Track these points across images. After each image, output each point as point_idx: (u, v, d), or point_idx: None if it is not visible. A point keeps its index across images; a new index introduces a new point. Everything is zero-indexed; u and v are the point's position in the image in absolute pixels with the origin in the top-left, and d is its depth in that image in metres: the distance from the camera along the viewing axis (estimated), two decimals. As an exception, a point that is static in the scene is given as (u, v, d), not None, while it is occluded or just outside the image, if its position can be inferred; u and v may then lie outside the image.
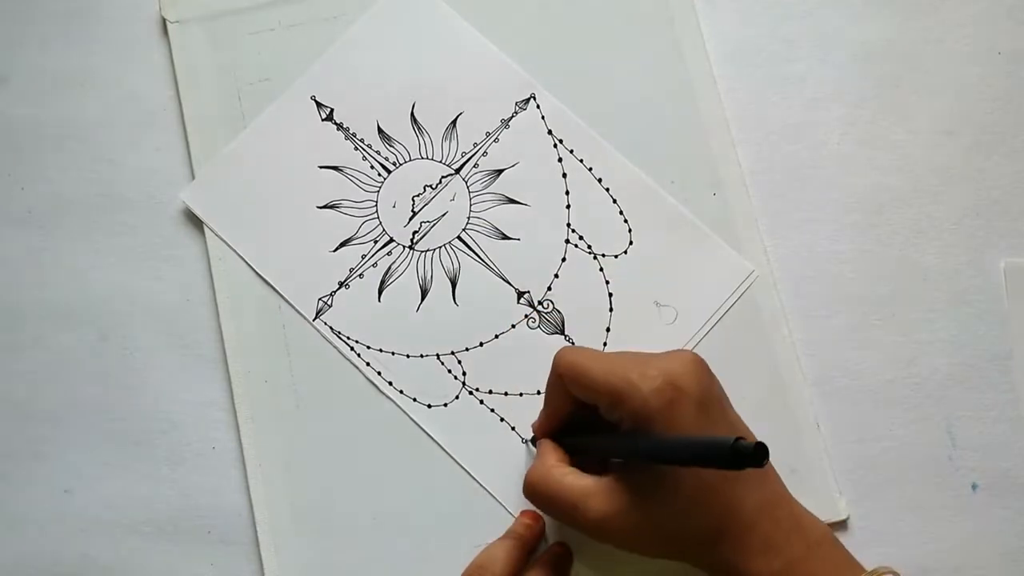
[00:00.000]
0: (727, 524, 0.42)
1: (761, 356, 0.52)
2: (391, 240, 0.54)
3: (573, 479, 0.45)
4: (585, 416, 0.47)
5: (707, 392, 0.44)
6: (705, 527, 0.42)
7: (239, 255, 0.54)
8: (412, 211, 0.55)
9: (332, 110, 0.56)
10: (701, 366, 0.44)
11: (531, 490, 0.46)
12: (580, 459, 0.47)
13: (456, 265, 0.54)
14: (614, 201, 0.54)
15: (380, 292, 0.54)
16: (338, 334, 0.53)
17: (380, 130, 0.55)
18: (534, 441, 0.50)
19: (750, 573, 0.42)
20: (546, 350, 0.52)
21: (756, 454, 0.36)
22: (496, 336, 0.53)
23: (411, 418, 0.52)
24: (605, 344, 0.53)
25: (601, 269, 0.54)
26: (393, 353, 0.53)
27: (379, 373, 0.52)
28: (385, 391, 0.52)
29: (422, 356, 0.53)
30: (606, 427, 0.46)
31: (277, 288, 0.54)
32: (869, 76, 0.56)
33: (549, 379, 0.47)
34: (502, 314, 0.53)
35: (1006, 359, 0.52)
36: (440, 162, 0.55)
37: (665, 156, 0.55)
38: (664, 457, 0.41)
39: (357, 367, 0.53)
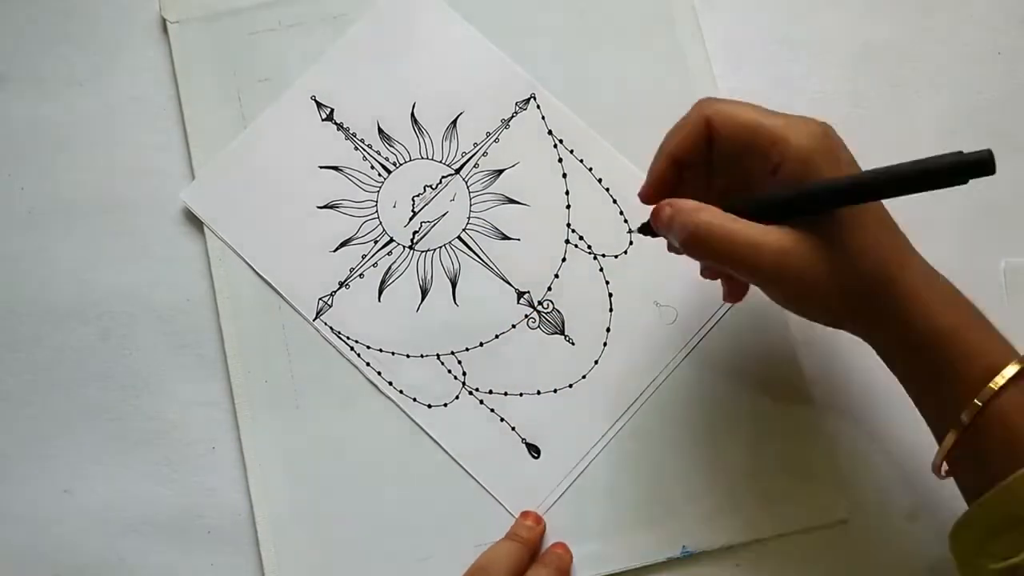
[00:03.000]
0: (907, 263, 0.41)
1: (761, 356, 0.52)
2: (391, 240, 0.54)
3: (743, 224, 0.41)
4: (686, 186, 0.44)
5: (847, 150, 0.42)
6: (889, 264, 0.41)
7: (239, 255, 0.54)
8: (412, 211, 0.55)
9: (332, 110, 0.56)
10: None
11: (697, 236, 0.41)
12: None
13: (456, 265, 0.54)
14: (614, 201, 0.54)
15: (380, 292, 0.54)
16: (338, 334, 0.53)
17: (380, 130, 0.55)
18: (644, 228, 0.45)
19: (928, 321, 0.41)
20: (546, 350, 0.52)
21: (988, 161, 0.36)
22: (496, 336, 0.53)
23: (411, 418, 0.52)
24: (605, 344, 0.53)
25: (601, 269, 0.54)
26: (393, 353, 0.53)
27: (379, 373, 0.52)
28: (385, 391, 0.52)
29: (422, 356, 0.53)
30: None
31: (277, 288, 0.54)
32: (869, 76, 0.56)
33: (681, 130, 0.44)
34: (502, 314, 0.53)
35: (1006, 359, 0.52)
36: (440, 162, 0.55)
37: (665, 156, 0.55)
38: (887, 188, 0.39)
39: (357, 367, 0.53)
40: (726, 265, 0.42)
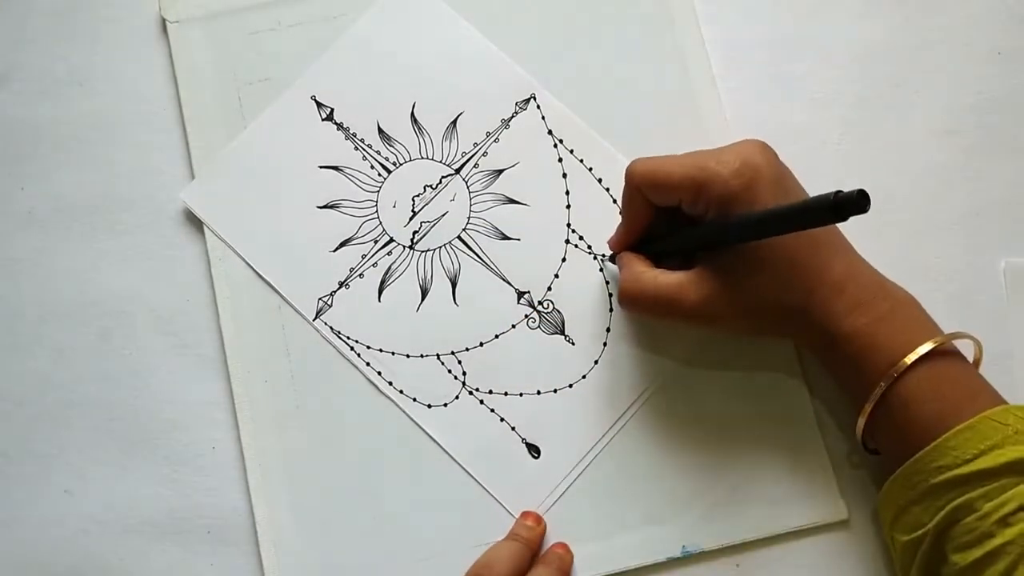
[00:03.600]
0: (816, 289, 0.45)
1: (761, 356, 0.52)
2: (391, 240, 0.54)
3: (665, 277, 0.48)
4: (657, 227, 0.50)
5: (779, 170, 0.47)
6: (798, 293, 0.45)
7: (239, 255, 0.54)
8: (412, 211, 0.55)
9: (332, 110, 0.56)
10: (768, 148, 0.47)
11: (627, 296, 0.49)
12: (662, 264, 0.49)
13: (456, 265, 0.54)
14: (614, 201, 0.54)
15: (380, 292, 0.54)
16: (338, 334, 0.53)
17: (380, 130, 0.55)
18: (612, 259, 0.52)
19: (840, 331, 0.45)
20: (546, 350, 0.52)
21: (859, 201, 0.37)
22: (496, 336, 0.53)
23: (411, 418, 0.52)
24: (605, 344, 0.53)
25: (601, 269, 0.54)
26: (393, 353, 0.53)
27: (379, 373, 0.52)
28: (385, 391, 0.52)
29: (422, 356, 0.53)
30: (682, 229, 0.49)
31: (277, 288, 0.54)
32: (869, 76, 0.56)
33: (624, 193, 0.49)
34: (502, 314, 0.53)
35: (1006, 359, 0.52)
36: (440, 162, 0.55)
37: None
38: (766, 228, 0.43)
39: (357, 367, 0.53)
40: (654, 317, 0.50)
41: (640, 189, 0.48)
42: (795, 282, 0.45)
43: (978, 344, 0.47)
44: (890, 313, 0.45)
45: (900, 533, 0.44)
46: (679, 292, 0.47)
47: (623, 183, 0.49)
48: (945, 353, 0.45)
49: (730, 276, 0.46)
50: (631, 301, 0.49)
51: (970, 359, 0.46)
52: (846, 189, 0.38)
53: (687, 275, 0.47)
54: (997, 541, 0.40)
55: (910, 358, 0.44)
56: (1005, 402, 0.44)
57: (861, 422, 0.46)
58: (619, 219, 0.54)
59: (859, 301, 0.45)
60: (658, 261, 0.50)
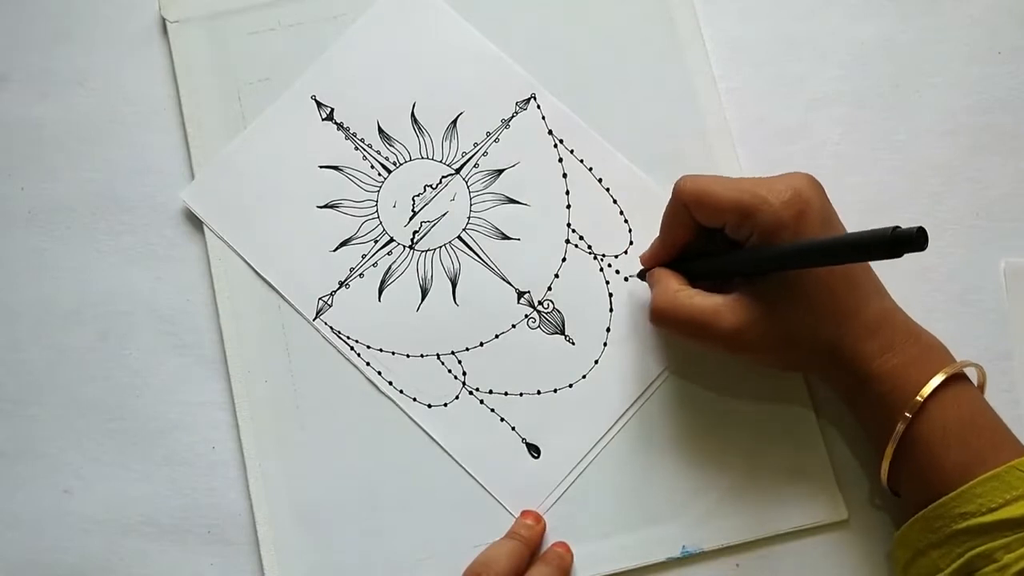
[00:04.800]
0: (850, 327, 0.45)
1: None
2: (391, 240, 0.54)
3: (701, 299, 0.47)
4: (695, 246, 0.49)
5: (827, 205, 0.46)
6: (832, 328, 0.45)
7: (239, 255, 0.54)
8: (412, 211, 0.55)
9: (332, 110, 0.56)
10: (818, 182, 0.47)
11: (660, 315, 0.48)
12: (696, 284, 0.49)
13: (456, 265, 0.54)
14: (614, 201, 0.54)
15: (380, 292, 0.54)
16: (338, 334, 0.53)
17: (380, 130, 0.55)
18: (642, 275, 0.52)
19: (870, 371, 0.45)
20: (546, 350, 0.52)
21: (918, 238, 0.37)
22: (496, 336, 0.53)
23: (411, 418, 0.52)
24: (605, 344, 0.53)
25: (601, 269, 0.54)
26: (393, 353, 0.53)
27: (379, 373, 0.52)
28: (385, 391, 0.52)
29: (422, 356, 0.53)
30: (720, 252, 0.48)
31: (277, 288, 0.54)
32: (869, 76, 0.56)
33: (668, 209, 0.49)
34: (502, 314, 0.53)
35: (1006, 359, 0.52)
36: (440, 162, 0.55)
37: (665, 156, 0.55)
38: (818, 257, 0.43)
39: (357, 367, 0.53)
40: (685, 337, 0.48)
41: (687, 206, 0.47)
42: (831, 317, 0.45)
43: (981, 371, 0.46)
44: (920, 358, 0.45)
45: None
46: (715, 316, 0.46)
47: (669, 198, 0.48)
48: (967, 394, 0.45)
49: (768, 305, 0.46)
50: (664, 319, 0.48)
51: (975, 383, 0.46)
52: (901, 226, 0.38)
53: (724, 299, 0.46)
54: None
55: (925, 391, 0.43)
56: None
57: (885, 465, 0.45)
58: (618, 219, 0.54)
59: (891, 343, 0.45)
60: (690, 281, 0.49)
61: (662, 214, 0.49)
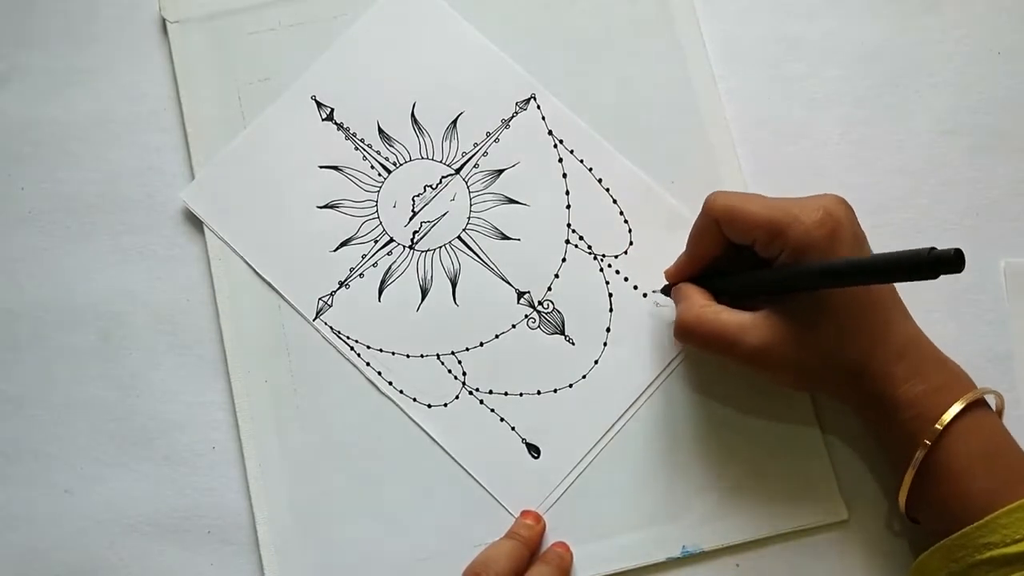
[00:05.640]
0: (878, 351, 0.45)
1: (761, 356, 0.52)
2: (391, 240, 0.54)
3: (728, 315, 0.47)
4: (721, 263, 0.49)
5: (857, 226, 0.46)
6: (860, 352, 0.45)
7: (239, 255, 0.54)
8: (412, 211, 0.55)
9: (332, 110, 0.56)
10: (848, 205, 0.46)
11: (686, 329, 0.48)
12: (721, 300, 0.49)
13: (456, 265, 0.54)
14: (614, 201, 0.54)
15: (380, 292, 0.54)
16: (338, 334, 0.53)
17: (380, 130, 0.55)
18: (666, 290, 0.52)
19: (896, 397, 0.45)
20: (546, 350, 0.52)
21: (955, 260, 0.37)
22: (496, 336, 0.53)
23: (411, 418, 0.52)
24: (605, 344, 0.53)
25: (601, 269, 0.54)
26: (393, 353, 0.53)
27: (379, 373, 0.52)
28: (385, 391, 0.52)
29: (422, 356, 0.53)
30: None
31: (277, 288, 0.54)
32: (869, 76, 0.56)
33: (698, 223, 0.49)
34: (502, 314, 0.53)
35: (1006, 359, 0.52)
36: (440, 162, 0.55)
37: (665, 156, 0.55)
38: (852, 276, 0.43)
39: (357, 367, 0.53)
40: (710, 353, 0.48)
41: (718, 222, 0.47)
42: (859, 340, 0.45)
43: (1000, 397, 0.46)
44: (945, 385, 0.44)
45: None
46: (740, 333, 0.46)
47: (699, 214, 0.48)
48: (987, 420, 0.44)
49: (795, 325, 0.45)
50: (689, 334, 0.48)
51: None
52: (937, 247, 0.37)
53: (751, 317, 0.46)
54: None
55: (945, 419, 0.43)
56: None
57: (904, 492, 0.45)
58: (618, 219, 0.54)
59: (917, 370, 0.45)
60: (715, 297, 0.49)
61: (689, 230, 0.49)
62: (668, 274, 0.51)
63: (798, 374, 0.46)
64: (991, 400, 0.46)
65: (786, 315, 0.46)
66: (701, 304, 0.48)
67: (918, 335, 0.46)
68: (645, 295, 0.53)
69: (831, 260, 0.44)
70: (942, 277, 0.52)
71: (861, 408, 0.47)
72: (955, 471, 0.43)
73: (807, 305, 0.45)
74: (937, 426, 0.43)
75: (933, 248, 0.38)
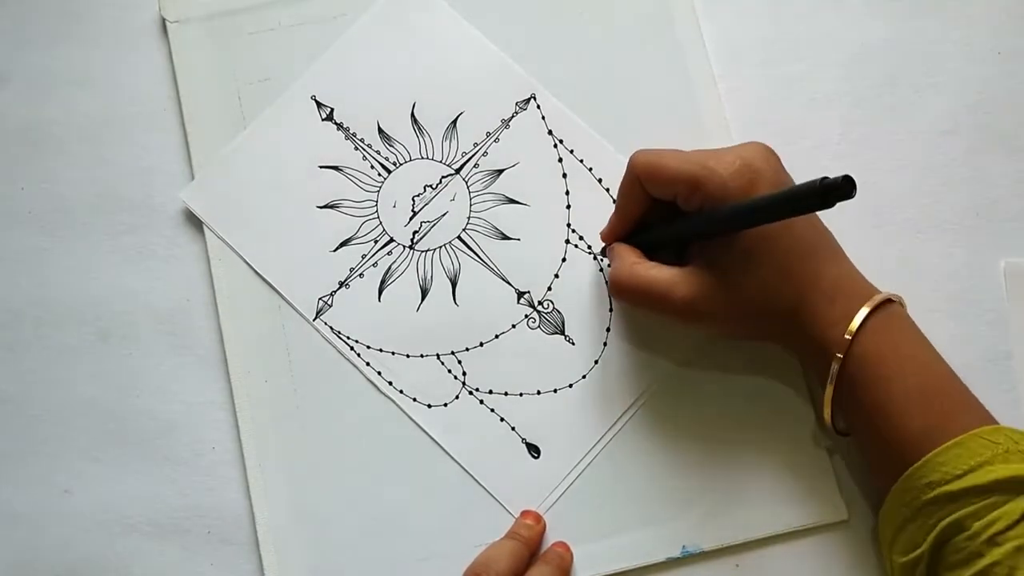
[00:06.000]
0: (807, 295, 0.46)
1: (761, 356, 0.52)
2: (391, 240, 0.54)
3: (657, 271, 0.48)
4: (651, 219, 0.50)
5: (779, 174, 0.47)
6: (789, 297, 0.46)
7: (239, 255, 0.54)
8: (412, 211, 0.55)
9: (332, 110, 0.56)
10: (771, 151, 0.47)
11: (618, 287, 0.49)
12: (655, 257, 0.49)
13: (456, 265, 0.54)
14: (614, 201, 0.54)
15: (380, 292, 0.54)
16: (338, 334, 0.53)
17: (380, 130, 0.55)
18: (604, 252, 0.53)
19: (827, 339, 0.45)
20: (546, 350, 0.52)
21: (844, 186, 0.38)
22: (496, 336, 0.53)
23: (411, 418, 0.52)
24: (605, 344, 0.53)
25: (601, 269, 0.54)
26: (393, 353, 0.53)
27: (379, 373, 0.52)
28: (385, 391, 0.52)
29: (422, 356, 0.53)
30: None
31: (277, 288, 0.54)
32: (869, 76, 0.56)
33: (623, 183, 0.49)
34: (502, 314, 0.53)
35: (1006, 359, 0.52)
36: (440, 162, 0.55)
37: (665, 156, 0.55)
38: (754, 216, 0.44)
39: (357, 367, 0.53)
40: (644, 309, 0.50)
41: (639, 179, 0.48)
42: (787, 286, 0.46)
43: (901, 301, 0.47)
44: (881, 326, 0.45)
45: (898, 555, 0.44)
46: (670, 287, 0.47)
47: (624, 174, 0.49)
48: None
49: (722, 274, 0.46)
50: (621, 291, 0.49)
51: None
52: (824, 176, 0.39)
53: (680, 271, 0.47)
54: (986, 561, 0.40)
55: (852, 327, 0.44)
56: (994, 420, 0.44)
57: (827, 407, 0.46)
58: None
59: (849, 311, 0.45)
60: (650, 255, 0.50)
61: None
62: (602, 235, 0.52)
63: (729, 324, 0.47)
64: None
65: (714, 266, 0.46)
66: (632, 262, 0.49)
67: (849, 275, 0.47)
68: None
69: (734, 203, 0.45)
70: (940, 279, 0.53)
71: (799, 352, 0.48)
72: (892, 412, 0.44)
73: (734, 255, 0.46)
74: (847, 335, 0.44)
75: (825, 177, 0.38)
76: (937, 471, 0.42)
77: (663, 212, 0.49)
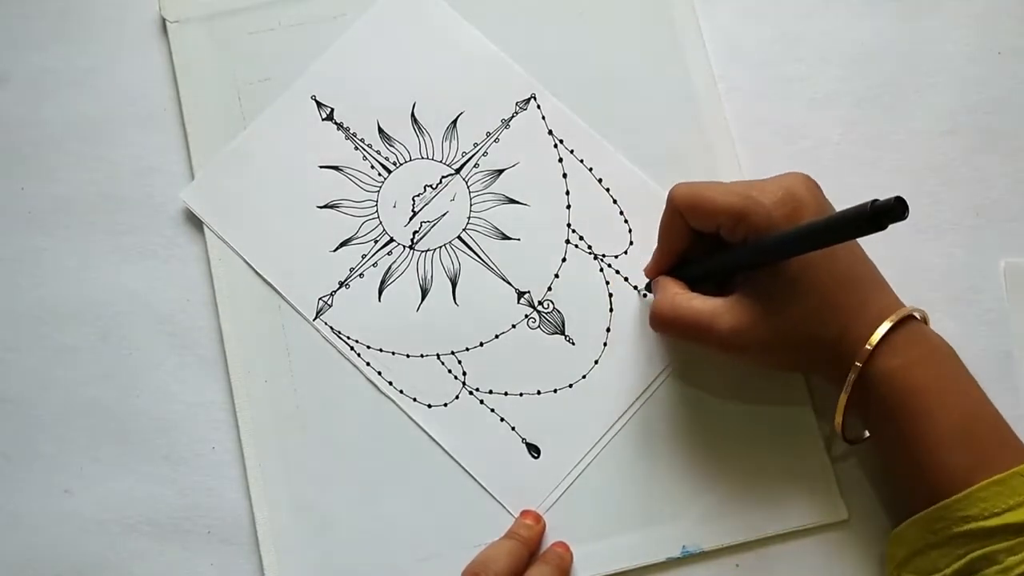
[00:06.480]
0: (851, 326, 0.45)
1: (761, 356, 0.52)
2: (391, 240, 0.54)
3: (699, 302, 0.47)
4: (693, 253, 0.50)
5: (822, 202, 0.46)
6: (833, 328, 0.45)
7: (239, 255, 0.54)
8: (412, 211, 0.55)
9: (332, 110, 0.56)
10: (812, 181, 0.47)
11: (660, 318, 0.48)
12: (697, 290, 0.49)
13: (456, 265, 0.54)
14: (614, 201, 0.54)
15: (380, 292, 0.54)
16: (338, 334, 0.53)
17: (380, 130, 0.55)
18: (648, 288, 0.52)
19: (872, 371, 0.44)
20: (546, 350, 0.52)
21: (897, 208, 0.36)
22: (496, 336, 0.53)
23: (411, 418, 0.52)
24: (605, 344, 0.53)
25: (601, 269, 0.54)
26: (393, 353, 0.53)
27: (379, 373, 0.52)
28: (385, 391, 0.52)
29: (422, 356, 0.53)
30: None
31: (277, 288, 0.54)
32: (869, 76, 0.56)
33: (664, 217, 0.49)
34: (502, 314, 0.53)
35: (1006, 359, 0.52)
36: (440, 162, 0.55)
37: (665, 156, 0.55)
38: (803, 243, 0.43)
39: (357, 367, 0.53)
40: (687, 340, 0.49)
41: (681, 212, 0.48)
42: (831, 315, 0.45)
43: (925, 316, 0.47)
44: (924, 358, 0.44)
45: (910, 574, 0.44)
46: (713, 318, 0.46)
47: (664, 206, 0.48)
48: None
49: (766, 305, 0.45)
50: (663, 323, 0.48)
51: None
52: (875, 199, 0.38)
53: (723, 301, 0.47)
54: None
55: (873, 339, 0.44)
56: None
57: (839, 414, 0.46)
58: (618, 219, 0.54)
59: (894, 344, 0.44)
60: (693, 287, 0.49)
61: (659, 222, 0.50)
62: (646, 270, 0.52)
63: (772, 355, 0.47)
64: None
65: (758, 297, 0.46)
66: (674, 292, 0.48)
67: (893, 306, 0.46)
68: (645, 295, 0.53)
69: (781, 231, 0.44)
70: (940, 279, 0.53)
71: (841, 382, 0.47)
72: (935, 444, 0.43)
73: (778, 286, 0.45)
74: (867, 346, 0.44)
75: (875, 200, 0.38)
76: (976, 506, 0.42)
77: (706, 245, 0.49)
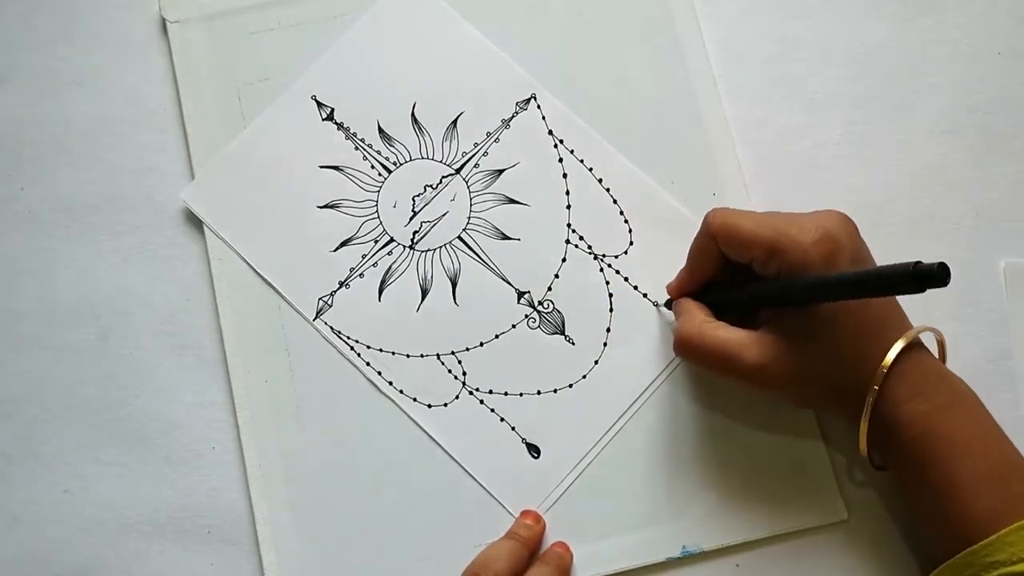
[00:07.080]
0: (878, 372, 0.44)
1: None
2: (391, 240, 0.54)
3: (726, 332, 0.47)
4: (723, 279, 0.49)
5: (858, 245, 0.46)
6: (859, 371, 0.44)
7: (239, 255, 0.54)
8: (413, 211, 0.55)
9: (332, 110, 0.56)
10: (850, 221, 0.46)
11: (686, 345, 0.48)
12: (720, 317, 0.48)
13: (456, 265, 0.54)
14: (614, 201, 0.54)
15: (380, 292, 0.54)
16: (338, 334, 0.53)
17: (381, 130, 0.55)
18: (668, 304, 0.52)
19: (897, 416, 0.44)
20: (546, 350, 0.52)
21: (940, 274, 0.36)
22: (496, 336, 0.53)
23: (411, 418, 0.52)
24: (605, 344, 0.53)
25: (601, 269, 0.54)
26: (393, 353, 0.53)
27: (379, 373, 0.52)
28: (385, 391, 0.52)
29: (422, 356, 0.53)
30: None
31: (277, 288, 0.54)
32: (869, 76, 0.56)
33: (697, 240, 0.49)
34: (502, 314, 0.53)
35: (1006, 359, 0.52)
36: (441, 162, 0.55)
37: (665, 156, 0.55)
38: (839, 291, 0.42)
39: (357, 367, 0.53)
40: (709, 369, 0.48)
41: (716, 239, 0.47)
42: (857, 360, 0.45)
43: (941, 338, 0.47)
44: (949, 404, 0.44)
45: None
46: (741, 350, 0.46)
47: (698, 230, 0.48)
48: (1001, 442, 0.44)
49: (796, 343, 0.45)
50: (688, 350, 0.48)
51: (933, 351, 0.47)
52: (922, 260, 0.37)
53: (750, 334, 0.46)
54: None
55: (886, 361, 0.44)
56: None
57: (862, 439, 0.45)
58: (618, 219, 0.54)
59: (920, 389, 0.44)
60: (717, 314, 0.49)
61: (690, 244, 0.49)
62: (670, 288, 0.51)
63: (796, 391, 0.46)
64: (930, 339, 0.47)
65: (785, 333, 0.45)
66: (700, 320, 0.48)
67: (919, 352, 0.45)
68: (645, 295, 0.53)
69: (819, 275, 0.44)
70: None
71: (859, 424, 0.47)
72: (961, 485, 0.43)
73: (807, 323, 0.45)
74: (881, 368, 0.44)
75: (919, 262, 0.37)
76: (1004, 551, 0.41)
77: (733, 271, 0.48)
